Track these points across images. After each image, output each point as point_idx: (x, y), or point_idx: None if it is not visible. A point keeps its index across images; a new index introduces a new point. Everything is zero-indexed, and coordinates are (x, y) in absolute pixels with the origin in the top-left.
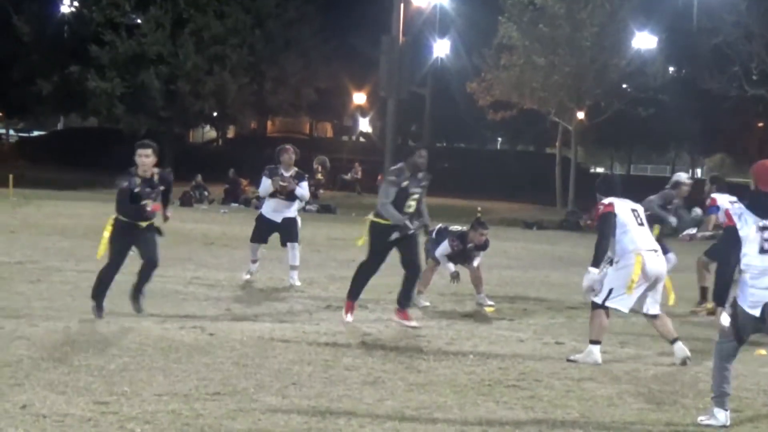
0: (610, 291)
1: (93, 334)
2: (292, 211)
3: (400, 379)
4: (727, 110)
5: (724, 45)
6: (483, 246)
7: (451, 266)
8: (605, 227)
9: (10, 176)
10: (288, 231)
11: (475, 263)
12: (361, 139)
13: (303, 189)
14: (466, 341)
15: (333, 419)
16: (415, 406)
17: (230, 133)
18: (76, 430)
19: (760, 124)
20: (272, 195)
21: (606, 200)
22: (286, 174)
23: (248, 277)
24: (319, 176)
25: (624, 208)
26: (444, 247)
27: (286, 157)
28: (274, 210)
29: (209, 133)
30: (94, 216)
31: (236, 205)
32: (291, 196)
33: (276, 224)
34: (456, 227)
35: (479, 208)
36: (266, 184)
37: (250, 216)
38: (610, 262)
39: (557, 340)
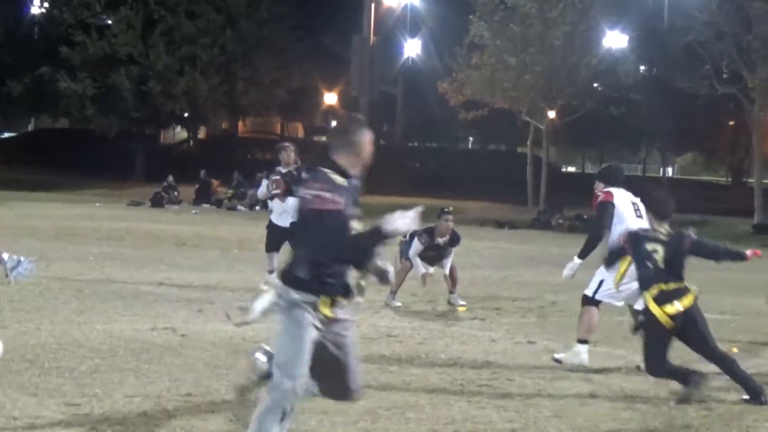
0: (600, 283)
1: (64, 335)
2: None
3: (372, 379)
4: (699, 109)
5: (695, 44)
6: (453, 240)
7: (423, 268)
8: (603, 216)
9: None
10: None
11: (448, 266)
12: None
13: None
14: (438, 341)
15: (305, 419)
16: (387, 406)
17: (201, 134)
18: (47, 430)
19: (731, 123)
20: (273, 198)
21: (606, 189)
22: (284, 171)
23: (265, 287)
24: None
25: (623, 199)
26: (415, 246)
27: (284, 155)
28: (279, 214)
29: (180, 133)
30: (65, 217)
31: (207, 205)
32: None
33: (285, 230)
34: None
35: (450, 206)
36: (262, 186)
37: (222, 217)
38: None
39: (529, 340)
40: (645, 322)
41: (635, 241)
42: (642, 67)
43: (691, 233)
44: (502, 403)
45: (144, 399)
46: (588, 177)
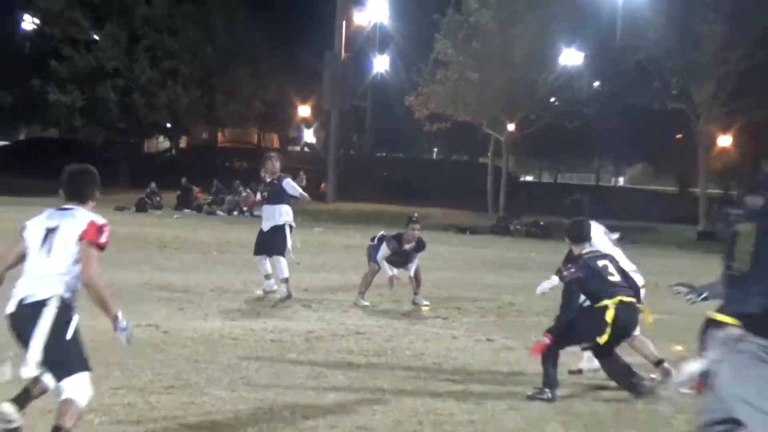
0: None
1: None
2: (279, 219)
3: (341, 374)
4: (648, 123)
5: (646, 62)
6: (419, 246)
7: (389, 270)
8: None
9: None
10: (273, 241)
11: (413, 269)
12: (306, 149)
13: (288, 187)
14: (403, 338)
15: (279, 411)
16: (354, 399)
17: (183, 143)
18: (37, 421)
19: (679, 136)
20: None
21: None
22: (268, 180)
23: (260, 293)
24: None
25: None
26: (383, 250)
27: (269, 164)
28: (264, 219)
29: (163, 143)
30: None
31: (188, 210)
32: (273, 201)
33: (264, 233)
34: (395, 232)
35: (416, 214)
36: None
37: (202, 221)
38: None
39: (488, 337)
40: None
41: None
42: (596, 83)
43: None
44: (462, 397)
45: (128, 391)
46: (544, 186)
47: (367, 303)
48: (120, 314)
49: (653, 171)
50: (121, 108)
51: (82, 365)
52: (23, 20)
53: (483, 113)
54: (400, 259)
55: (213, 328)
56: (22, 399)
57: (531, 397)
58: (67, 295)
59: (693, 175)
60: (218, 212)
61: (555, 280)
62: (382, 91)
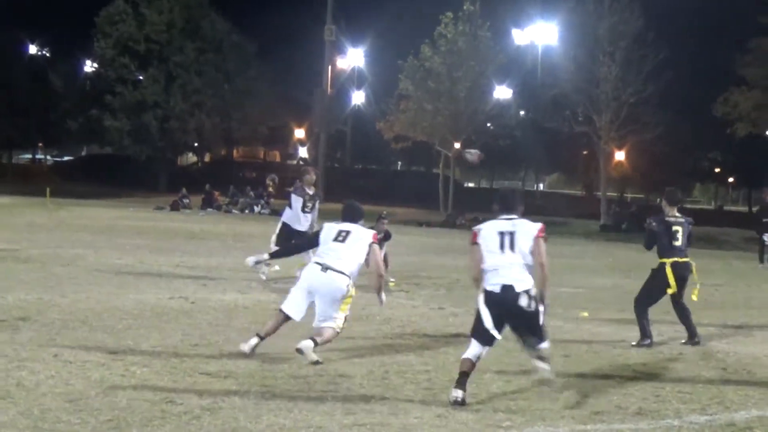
0: None
1: (107, 303)
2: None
3: None
4: (561, 142)
5: (559, 96)
6: (387, 237)
7: None
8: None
9: (47, 189)
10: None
11: (382, 253)
12: (301, 163)
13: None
14: (374, 307)
15: (278, 364)
16: (337, 354)
17: (207, 158)
18: (92, 371)
19: (585, 152)
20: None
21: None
22: (309, 192)
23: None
24: (271, 189)
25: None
26: None
27: (308, 178)
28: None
29: (192, 158)
30: (108, 218)
31: (211, 210)
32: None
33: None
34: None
35: (385, 211)
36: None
37: (221, 218)
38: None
39: (440, 306)
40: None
41: None
42: (521, 112)
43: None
44: (420, 352)
45: (164, 348)
46: (483, 190)
47: None
48: None
49: (565, 178)
50: (160, 131)
51: None
52: (85, 64)
53: (435, 134)
54: None
55: (230, 299)
56: None
57: (635, 346)
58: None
59: (596, 182)
60: (234, 211)
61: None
62: (359, 118)
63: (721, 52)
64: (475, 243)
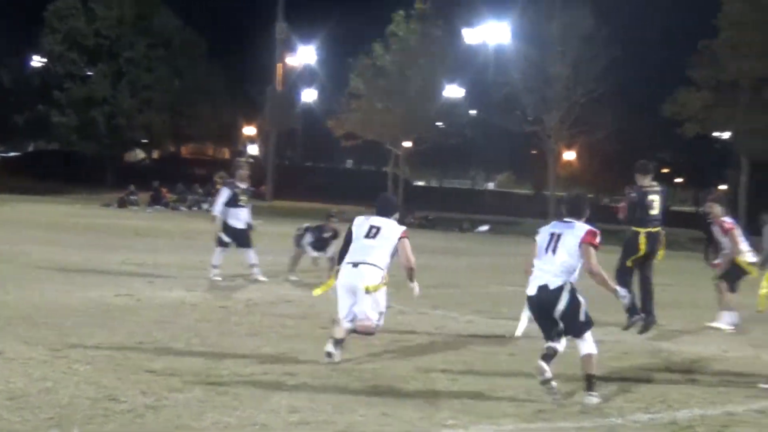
0: None
1: (51, 300)
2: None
3: (274, 332)
4: (512, 141)
5: (510, 95)
6: (336, 235)
7: (313, 253)
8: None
9: None
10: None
11: (331, 251)
12: (250, 160)
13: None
14: (322, 305)
15: (224, 361)
16: (284, 351)
17: (155, 155)
18: (35, 369)
19: (535, 152)
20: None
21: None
22: (242, 186)
23: (263, 279)
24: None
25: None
26: (307, 238)
27: (242, 173)
28: (242, 218)
29: (140, 154)
30: (55, 214)
31: (159, 207)
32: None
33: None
34: (316, 224)
35: (335, 209)
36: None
37: (169, 215)
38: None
39: (387, 305)
40: None
41: None
42: (473, 111)
43: None
44: (366, 349)
45: (108, 346)
46: (432, 189)
47: (295, 278)
48: None
49: (516, 177)
50: (108, 127)
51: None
52: (32, 60)
53: (386, 134)
54: (320, 244)
55: (176, 297)
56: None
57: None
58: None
59: (545, 181)
60: (181, 208)
61: None
62: (310, 116)
63: (671, 53)
64: (534, 240)
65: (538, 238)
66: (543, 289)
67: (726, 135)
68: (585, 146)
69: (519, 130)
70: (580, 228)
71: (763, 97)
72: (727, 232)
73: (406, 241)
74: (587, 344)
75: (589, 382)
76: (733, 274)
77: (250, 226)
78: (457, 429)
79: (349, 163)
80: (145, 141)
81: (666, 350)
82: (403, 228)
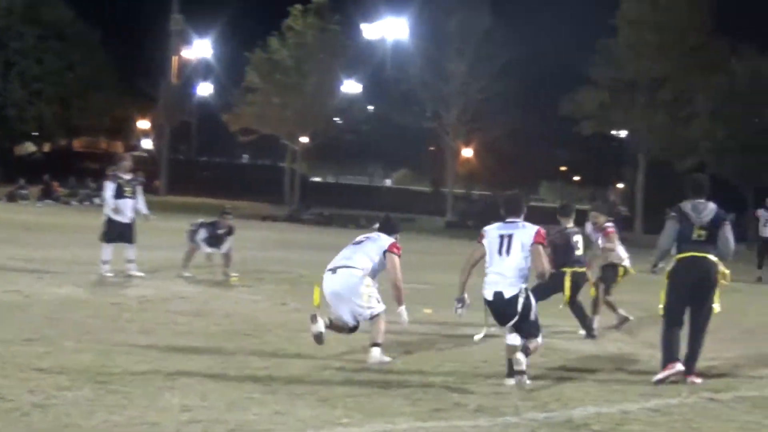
0: None
1: None
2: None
3: (167, 329)
4: (410, 138)
5: (408, 91)
6: (230, 231)
7: (207, 249)
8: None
9: None
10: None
11: (225, 248)
12: (144, 154)
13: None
14: (216, 301)
15: (114, 357)
16: (177, 348)
17: (46, 148)
18: None
19: (432, 148)
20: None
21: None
22: (126, 177)
23: (141, 273)
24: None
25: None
26: (201, 234)
27: (126, 164)
28: (124, 211)
29: (30, 147)
30: None
31: (49, 201)
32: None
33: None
34: (210, 220)
35: (228, 205)
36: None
37: (60, 210)
38: None
39: (282, 302)
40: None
41: None
42: (370, 107)
43: None
44: (260, 347)
45: None
46: (329, 185)
47: (188, 274)
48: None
49: (413, 174)
50: None
51: None
52: None
53: (282, 128)
54: (214, 241)
55: (66, 293)
56: None
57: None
58: None
59: (443, 178)
60: (73, 202)
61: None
62: (205, 110)
63: (570, 53)
64: (479, 242)
65: (485, 241)
66: (499, 296)
67: (623, 133)
68: (483, 143)
69: (417, 127)
70: (531, 228)
71: (659, 97)
72: (608, 235)
73: (395, 257)
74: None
75: (510, 368)
76: (612, 277)
77: (146, 218)
78: (351, 427)
79: (245, 158)
80: (36, 134)
81: (562, 349)
82: (393, 240)
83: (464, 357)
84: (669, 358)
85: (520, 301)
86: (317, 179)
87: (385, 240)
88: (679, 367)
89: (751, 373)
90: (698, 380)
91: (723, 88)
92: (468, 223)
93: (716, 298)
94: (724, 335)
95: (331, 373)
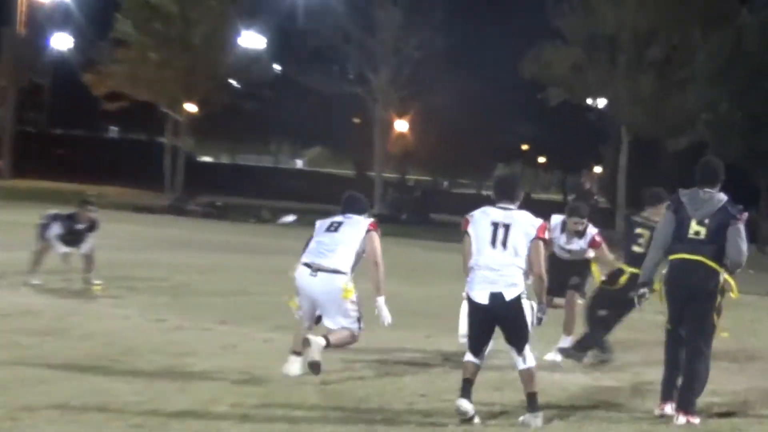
0: None
1: None
2: None
3: (6, 353)
4: (326, 107)
5: (325, 46)
6: (92, 226)
7: (62, 248)
8: None
9: None
10: None
11: (86, 248)
12: None
13: None
14: (73, 317)
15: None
16: (21, 378)
17: None
18: None
19: (357, 120)
20: None
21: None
22: None
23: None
24: None
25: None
26: (55, 229)
27: None
28: None
29: None
30: None
31: None
32: None
33: None
34: (67, 211)
35: (90, 194)
36: None
37: None
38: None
39: (159, 318)
40: None
41: None
42: (276, 66)
43: None
44: (131, 378)
45: None
46: (223, 167)
47: (37, 282)
48: None
49: (331, 154)
50: None
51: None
52: None
53: (162, 92)
54: (72, 238)
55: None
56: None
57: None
58: None
59: (369, 159)
60: None
61: None
62: (62, 69)
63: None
64: (465, 232)
65: (471, 229)
66: (497, 298)
67: (602, 103)
68: (421, 115)
69: (336, 92)
70: (532, 219)
71: (647, 57)
72: (597, 246)
73: (375, 236)
74: (528, 358)
75: (532, 400)
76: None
77: None
78: None
79: (114, 132)
80: None
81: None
82: (371, 219)
83: (395, 389)
84: (662, 392)
85: (523, 307)
86: (207, 159)
87: (363, 222)
88: (668, 410)
89: (761, 410)
90: (695, 420)
91: (728, 45)
92: (401, 216)
93: (718, 317)
94: (727, 362)
95: (221, 412)
